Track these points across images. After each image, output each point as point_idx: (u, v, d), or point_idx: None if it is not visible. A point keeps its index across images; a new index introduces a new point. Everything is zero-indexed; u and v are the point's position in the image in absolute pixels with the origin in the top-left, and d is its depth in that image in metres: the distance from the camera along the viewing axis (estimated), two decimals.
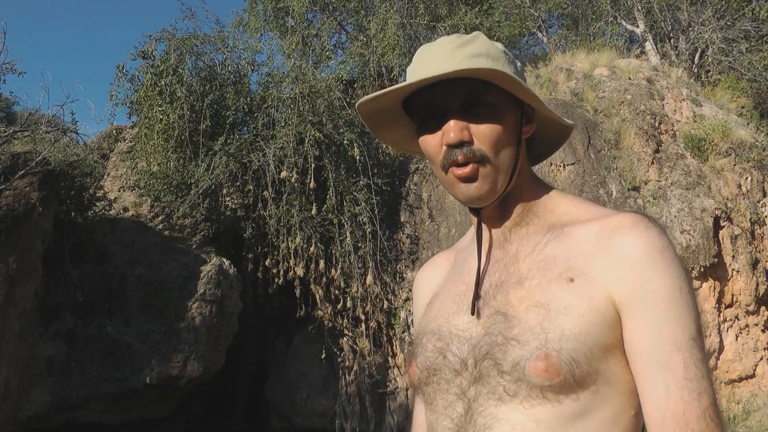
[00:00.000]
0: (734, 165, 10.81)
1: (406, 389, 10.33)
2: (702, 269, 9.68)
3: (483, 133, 1.30)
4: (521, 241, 1.36)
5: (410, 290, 10.49)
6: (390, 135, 1.49)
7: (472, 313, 1.33)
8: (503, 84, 1.29)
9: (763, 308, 9.92)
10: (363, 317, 10.20)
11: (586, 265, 1.25)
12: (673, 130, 11.29)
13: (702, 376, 1.17)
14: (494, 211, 1.40)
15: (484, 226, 1.42)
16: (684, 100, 11.93)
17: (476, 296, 1.35)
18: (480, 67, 1.26)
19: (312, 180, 9.99)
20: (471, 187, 1.31)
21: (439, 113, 1.32)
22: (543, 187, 1.43)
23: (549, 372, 1.18)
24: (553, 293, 1.24)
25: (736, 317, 9.90)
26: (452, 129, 1.29)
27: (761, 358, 9.85)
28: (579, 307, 1.21)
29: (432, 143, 1.34)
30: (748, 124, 12.03)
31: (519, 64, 1.40)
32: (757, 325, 9.92)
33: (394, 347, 10.57)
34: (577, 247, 1.28)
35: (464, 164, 1.30)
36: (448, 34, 13.75)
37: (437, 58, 1.30)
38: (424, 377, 1.37)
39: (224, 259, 9.71)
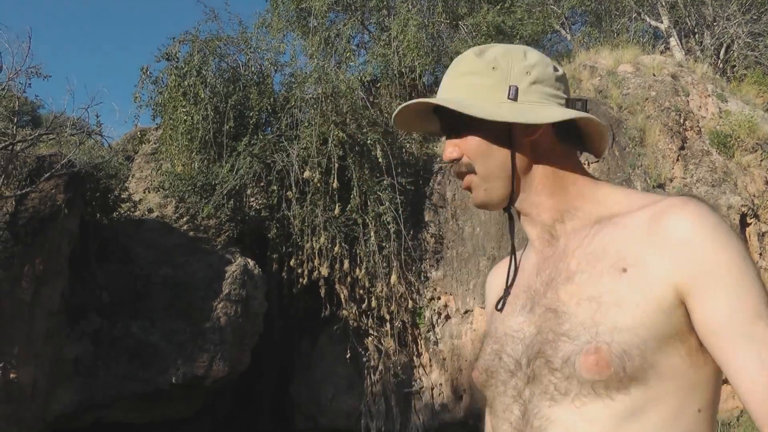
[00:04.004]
0: (761, 161, 10.69)
1: (432, 389, 10.31)
2: None
3: (468, 146, 1.37)
4: (568, 236, 1.34)
5: (435, 289, 10.49)
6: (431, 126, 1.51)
7: (498, 309, 1.37)
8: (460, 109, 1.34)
9: None
10: (388, 317, 10.19)
11: (640, 253, 1.21)
12: (698, 126, 11.17)
13: None
14: (528, 210, 1.39)
15: (530, 224, 1.41)
16: (709, 95, 11.81)
17: (506, 293, 1.39)
18: (428, 101, 1.35)
19: (335, 180, 9.99)
20: (472, 197, 1.41)
21: (444, 129, 1.42)
22: (589, 181, 1.39)
23: (599, 366, 1.14)
24: (605, 285, 1.21)
25: None
26: (445, 148, 1.40)
27: None
28: (633, 298, 1.17)
29: None
30: None
31: (527, 72, 1.34)
32: None
33: (419, 347, 10.55)
34: (628, 235, 1.24)
35: (461, 177, 1.39)
36: (471, 32, 13.78)
37: (446, 75, 1.39)
38: (483, 380, 1.38)
39: (249, 260, 9.74)
